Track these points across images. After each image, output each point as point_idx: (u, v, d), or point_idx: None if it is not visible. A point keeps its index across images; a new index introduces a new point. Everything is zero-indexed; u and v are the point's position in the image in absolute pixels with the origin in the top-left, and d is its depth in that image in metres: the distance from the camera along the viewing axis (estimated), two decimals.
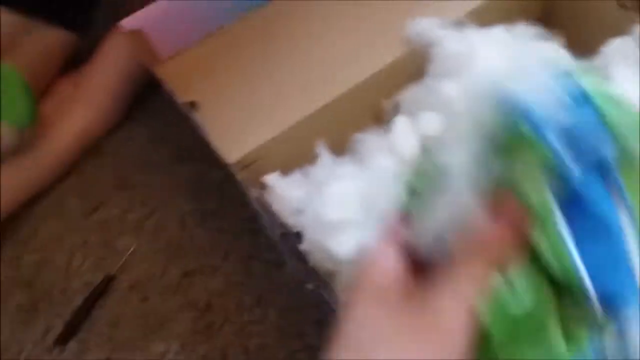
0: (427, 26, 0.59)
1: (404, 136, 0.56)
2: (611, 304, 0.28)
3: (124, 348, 0.65)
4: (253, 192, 0.55)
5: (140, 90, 0.79)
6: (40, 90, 0.68)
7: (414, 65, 0.63)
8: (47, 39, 0.70)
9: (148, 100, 0.81)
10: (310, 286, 0.64)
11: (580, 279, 0.28)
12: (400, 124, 0.57)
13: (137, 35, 0.66)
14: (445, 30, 0.58)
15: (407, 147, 0.55)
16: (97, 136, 0.76)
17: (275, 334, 0.64)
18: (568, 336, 0.29)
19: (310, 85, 0.62)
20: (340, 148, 0.62)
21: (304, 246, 0.52)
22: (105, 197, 0.74)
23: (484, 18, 0.60)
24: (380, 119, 0.66)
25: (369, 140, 0.59)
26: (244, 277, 0.68)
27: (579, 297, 0.28)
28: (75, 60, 0.76)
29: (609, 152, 0.28)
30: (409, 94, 0.61)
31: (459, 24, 0.59)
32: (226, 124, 0.58)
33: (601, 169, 0.28)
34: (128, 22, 0.65)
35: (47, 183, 0.73)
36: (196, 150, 0.77)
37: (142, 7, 0.65)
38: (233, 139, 0.59)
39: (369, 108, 0.64)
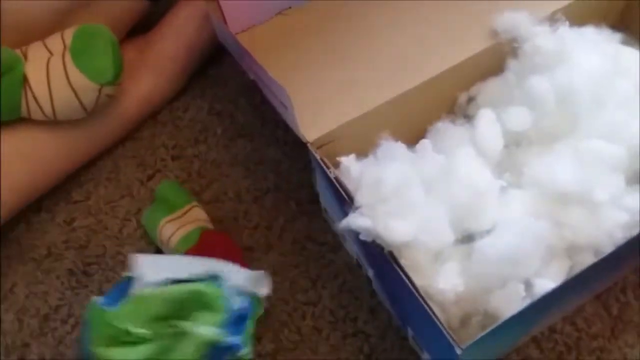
0: (517, 21, 0.59)
1: (489, 129, 0.56)
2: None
3: None
4: (331, 172, 0.55)
5: (201, 62, 0.78)
6: None
7: (494, 59, 0.62)
8: (122, 3, 0.69)
9: (207, 73, 0.80)
10: (367, 273, 0.64)
11: None
12: (486, 116, 0.56)
13: (211, 6, 0.65)
14: (537, 26, 0.58)
15: (491, 139, 0.55)
16: (158, 104, 0.75)
17: (329, 317, 0.64)
18: None
19: (390, 72, 0.61)
20: (414, 136, 0.62)
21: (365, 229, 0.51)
22: (161, 166, 0.74)
23: (569, 18, 0.60)
24: (453, 110, 0.66)
25: (449, 130, 0.59)
26: (298, 257, 0.67)
27: None
28: (140, 26, 0.75)
29: None
30: (489, 88, 0.61)
31: (551, 20, 0.59)
32: (301, 103, 0.57)
33: None
34: None
35: (106, 147, 0.73)
36: (253, 127, 0.77)
37: None
38: (309, 118, 0.59)
39: (444, 99, 0.64)
